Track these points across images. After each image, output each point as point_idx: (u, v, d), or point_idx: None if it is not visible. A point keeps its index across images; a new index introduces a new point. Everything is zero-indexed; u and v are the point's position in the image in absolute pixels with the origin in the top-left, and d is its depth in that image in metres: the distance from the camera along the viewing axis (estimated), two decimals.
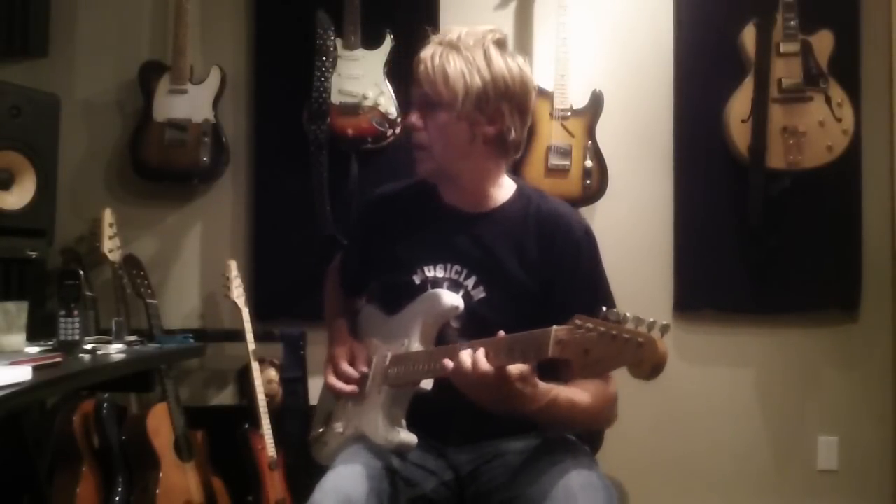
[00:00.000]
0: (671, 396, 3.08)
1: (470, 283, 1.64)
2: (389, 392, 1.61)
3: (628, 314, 1.24)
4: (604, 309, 1.26)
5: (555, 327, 1.32)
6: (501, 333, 1.44)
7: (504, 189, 1.71)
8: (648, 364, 1.20)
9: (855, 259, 3.13)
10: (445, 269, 1.66)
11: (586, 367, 1.28)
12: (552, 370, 1.51)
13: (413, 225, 1.73)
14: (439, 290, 1.62)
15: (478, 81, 1.58)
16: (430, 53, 1.61)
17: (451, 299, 1.59)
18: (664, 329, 1.21)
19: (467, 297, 1.62)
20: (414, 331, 1.61)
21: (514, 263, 1.64)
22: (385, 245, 1.75)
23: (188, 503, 2.66)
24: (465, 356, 1.42)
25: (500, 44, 1.62)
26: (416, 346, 1.60)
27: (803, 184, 3.01)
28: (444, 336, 1.63)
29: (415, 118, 1.65)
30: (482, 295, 1.64)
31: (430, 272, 1.66)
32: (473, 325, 1.57)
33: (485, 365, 1.40)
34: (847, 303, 3.15)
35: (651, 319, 1.22)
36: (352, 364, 1.70)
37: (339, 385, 1.68)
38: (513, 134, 1.64)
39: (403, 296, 1.66)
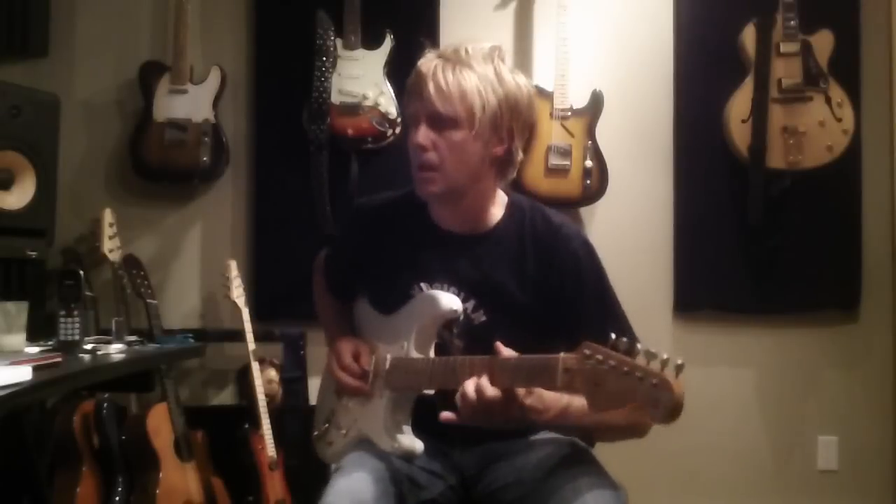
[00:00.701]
0: None
1: (470, 306, 1.61)
2: (391, 397, 1.60)
3: (639, 345, 1.20)
4: (612, 336, 1.23)
5: (562, 355, 1.29)
6: (500, 347, 1.42)
7: (497, 206, 1.67)
8: (665, 408, 1.14)
9: (855, 259, 3.13)
10: (444, 291, 1.62)
11: (598, 400, 1.24)
12: None
13: (407, 246, 1.68)
14: (437, 292, 1.60)
15: (493, 99, 1.52)
16: (435, 67, 1.53)
17: (449, 301, 1.57)
18: (679, 368, 1.16)
19: (468, 321, 1.60)
20: (413, 333, 1.60)
21: (513, 286, 1.61)
22: (377, 262, 1.72)
23: (188, 503, 2.66)
24: (469, 387, 1.40)
25: (505, 61, 1.58)
26: (413, 349, 1.59)
27: (803, 184, 3.01)
28: (447, 353, 1.60)
29: (422, 137, 1.54)
30: (483, 318, 1.61)
31: (426, 290, 1.63)
32: (476, 349, 1.52)
33: (490, 391, 1.38)
34: (847, 303, 3.15)
35: (664, 356, 1.17)
36: (357, 359, 1.68)
37: (347, 380, 1.67)
38: (519, 155, 1.61)
39: (399, 302, 1.65)
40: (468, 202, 1.62)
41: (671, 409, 1.15)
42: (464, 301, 1.60)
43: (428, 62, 1.56)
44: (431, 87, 1.52)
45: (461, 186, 1.59)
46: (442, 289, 1.62)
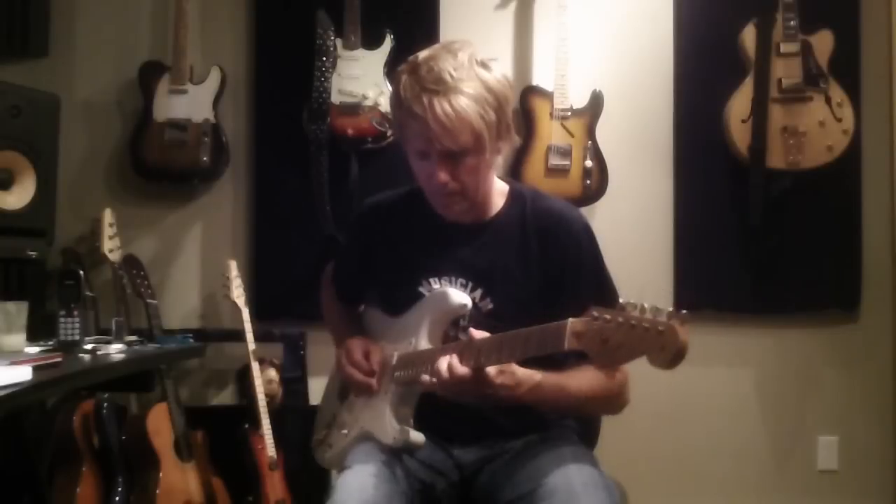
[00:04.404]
0: (671, 396, 3.08)
1: (477, 294, 1.63)
2: (397, 391, 1.61)
3: (646, 304, 1.24)
4: (620, 301, 1.26)
5: (570, 319, 1.31)
6: (473, 332, 1.48)
7: (499, 193, 1.70)
8: (670, 351, 1.20)
9: (855, 259, 3.13)
10: (451, 282, 1.65)
11: (604, 356, 1.27)
12: (552, 361, 1.51)
13: (413, 239, 1.71)
14: (447, 289, 1.63)
15: (492, 114, 1.53)
16: (429, 104, 1.50)
17: (460, 297, 1.60)
18: (685, 318, 1.21)
19: (475, 310, 1.62)
20: (422, 329, 1.61)
21: (519, 271, 1.63)
22: (385, 260, 1.74)
23: (188, 503, 2.66)
24: (442, 364, 1.45)
25: (478, 58, 1.56)
26: (423, 344, 1.61)
27: (803, 184, 3.01)
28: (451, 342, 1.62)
29: (442, 176, 1.55)
30: (490, 306, 1.63)
31: (435, 284, 1.66)
32: None
33: (460, 369, 1.44)
34: (847, 303, 3.15)
35: (670, 309, 1.21)
36: (366, 357, 1.70)
37: (356, 375, 1.68)
38: (516, 139, 1.65)
39: (409, 302, 1.67)
40: (479, 196, 1.65)
41: (675, 353, 1.20)
42: (471, 290, 1.63)
43: (414, 94, 1.52)
44: (434, 126, 1.50)
45: (479, 194, 1.63)
46: (450, 281, 1.64)
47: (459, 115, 1.50)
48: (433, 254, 1.67)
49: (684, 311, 1.21)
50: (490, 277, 1.63)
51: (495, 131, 1.55)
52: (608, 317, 1.25)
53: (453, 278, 1.65)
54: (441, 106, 1.49)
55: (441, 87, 1.50)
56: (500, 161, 1.65)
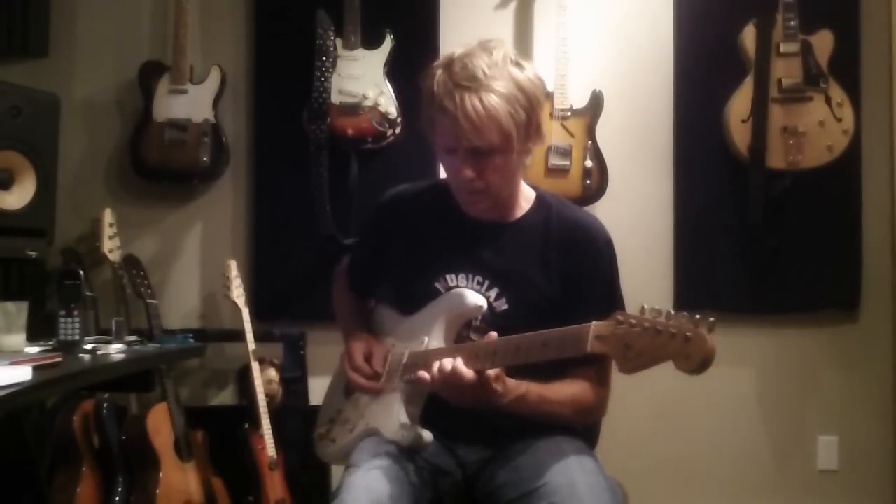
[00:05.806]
0: (671, 396, 3.08)
1: (492, 294, 1.64)
2: (406, 389, 1.61)
3: (671, 311, 1.23)
4: (644, 306, 1.26)
5: (594, 323, 1.33)
6: (493, 335, 1.49)
7: (525, 197, 1.71)
8: (697, 358, 1.19)
9: (855, 259, 3.13)
10: (468, 279, 1.66)
11: (627, 361, 1.28)
12: (545, 371, 1.53)
13: (434, 233, 1.71)
14: (463, 290, 1.63)
15: (522, 115, 1.54)
16: (460, 100, 1.51)
17: (476, 298, 1.60)
18: (712, 325, 1.20)
19: (489, 310, 1.62)
20: (436, 328, 1.62)
21: (538, 275, 1.64)
22: (404, 251, 1.74)
23: (188, 503, 2.66)
24: (447, 365, 1.46)
25: (512, 57, 1.57)
26: (436, 343, 1.61)
27: (803, 184, 3.01)
28: (463, 343, 1.63)
29: (468, 172, 1.56)
30: (504, 307, 1.64)
31: (451, 281, 1.67)
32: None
33: (467, 373, 1.45)
34: (847, 303, 3.15)
35: (697, 316, 1.21)
36: (368, 360, 1.70)
37: (358, 379, 1.69)
38: (544, 139, 1.66)
39: (423, 299, 1.67)
40: (505, 196, 1.66)
41: (702, 360, 1.19)
42: (487, 289, 1.64)
43: (446, 90, 1.53)
44: (464, 123, 1.51)
45: (504, 194, 1.64)
46: (467, 278, 1.65)
47: (490, 113, 1.50)
48: (453, 249, 1.68)
49: (712, 318, 1.20)
50: (507, 279, 1.64)
51: (524, 131, 1.56)
52: (633, 321, 1.26)
53: (470, 276, 1.65)
54: (472, 103, 1.50)
55: (473, 84, 1.51)
56: (528, 162, 1.66)
